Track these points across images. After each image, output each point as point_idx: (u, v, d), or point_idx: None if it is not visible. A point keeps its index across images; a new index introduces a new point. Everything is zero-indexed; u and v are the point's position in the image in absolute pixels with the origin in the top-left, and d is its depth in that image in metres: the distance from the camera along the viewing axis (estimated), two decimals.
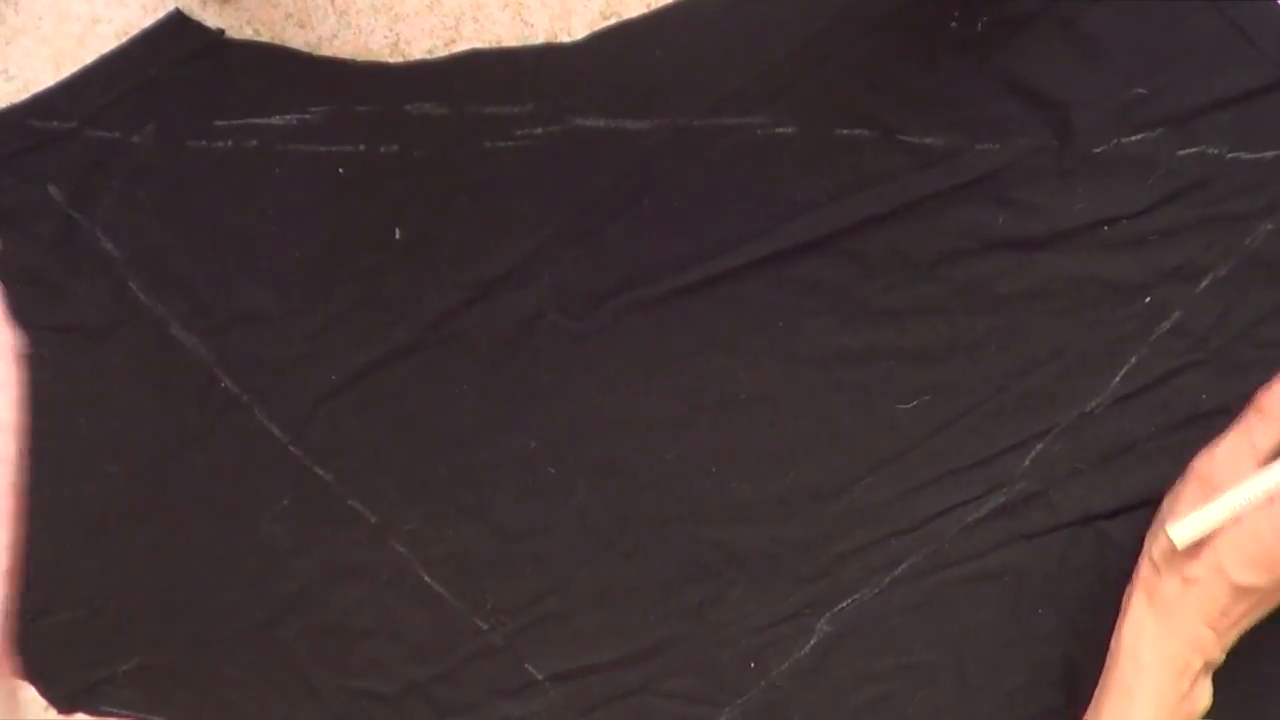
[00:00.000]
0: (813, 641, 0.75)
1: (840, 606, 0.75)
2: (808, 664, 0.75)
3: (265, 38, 0.76)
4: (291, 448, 0.73)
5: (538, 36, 0.76)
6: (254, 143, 0.73)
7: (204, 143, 0.73)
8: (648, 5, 0.76)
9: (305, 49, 0.76)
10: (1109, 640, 0.72)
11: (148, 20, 0.75)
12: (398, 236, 0.74)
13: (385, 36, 0.76)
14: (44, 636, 0.72)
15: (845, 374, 0.75)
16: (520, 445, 0.74)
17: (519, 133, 0.75)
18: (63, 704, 0.73)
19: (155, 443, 0.72)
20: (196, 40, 0.74)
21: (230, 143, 0.73)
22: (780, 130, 0.75)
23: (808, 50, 0.75)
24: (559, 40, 0.76)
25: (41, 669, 0.72)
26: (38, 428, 0.73)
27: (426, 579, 0.75)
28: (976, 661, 0.74)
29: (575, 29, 0.76)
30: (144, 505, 0.72)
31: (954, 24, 0.75)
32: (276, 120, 0.74)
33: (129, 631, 0.72)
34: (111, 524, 0.72)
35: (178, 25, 0.74)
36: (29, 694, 0.74)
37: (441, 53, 0.76)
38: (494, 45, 0.76)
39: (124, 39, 0.75)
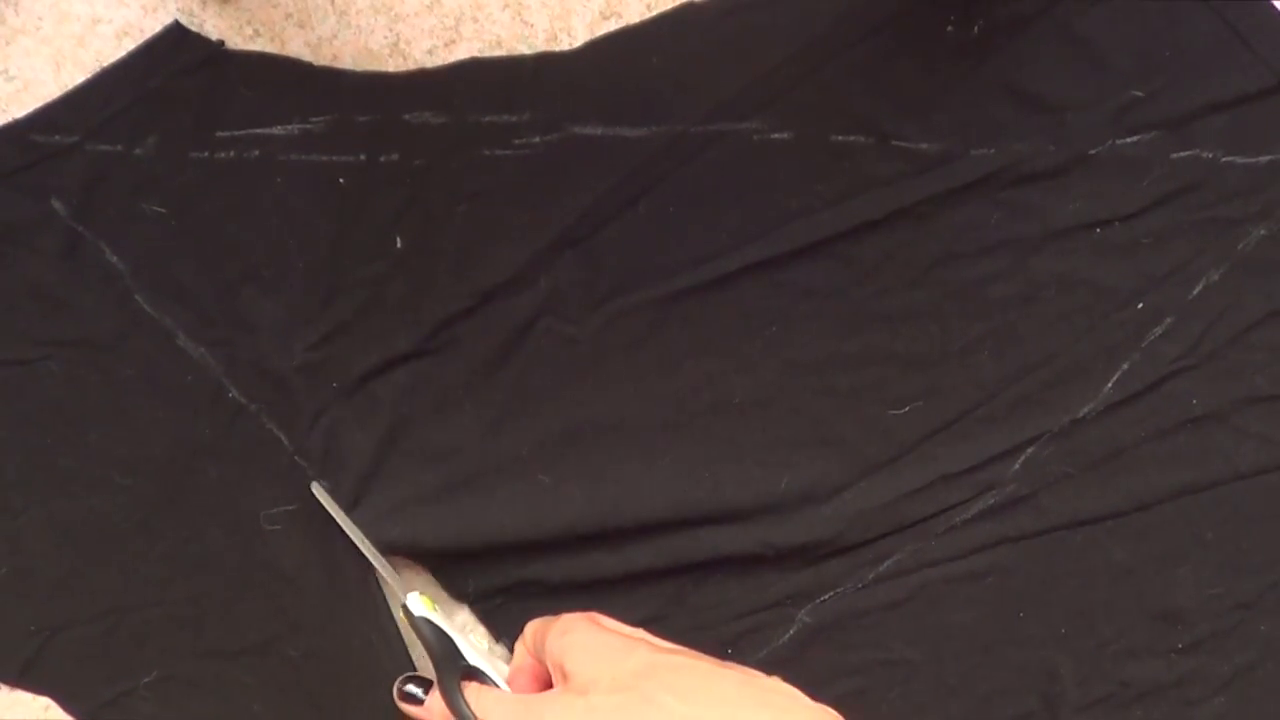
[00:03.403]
0: (791, 631, 0.76)
1: (822, 599, 0.76)
2: (785, 653, 0.75)
3: (265, 38, 0.76)
4: (296, 457, 0.74)
5: (537, 36, 0.76)
6: (256, 153, 0.74)
7: (206, 154, 0.73)
8: (647, 6, 0.76)
9: (305, 49, 0.76)
10: (1091, 647, 0.74)
11: (148, 21, 0.75)
12: (398, 245, 0.75)
13: (385, 37, 0.76)
14: (63, 650, 0.72)
15: (838, 379, 0.75)
16: (515, 452, 0.75)
17: (517, 141, 0.75)
18: (85, 718, 0.73)
19: (166, 454, 0.73)
20: (197, 51, 0.74)
21: (232, 153, 0.73)
22: (776, 136, 0.75)
23: (803, 56, 0.75)
24: (559, 41, 0.76)
25: (62, 683, 0.73)
26: (47, 442, 0.74)
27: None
28: (955, 661, 0.75)
29: (575, 29, 0.76)
30: (157, 517, 0.73)
31: (950, 28, 0.75)
32: (278, 130, 0.74)
33: (147, 644, 0.73)
34: (125, 536, 0.73)
35: (177, 36, 0.74)
36: (28, 694, 0.74)
37: (441, 53, 0.76)
38: (493, 45, 0.76)
39: (124, 40, 0.75)
